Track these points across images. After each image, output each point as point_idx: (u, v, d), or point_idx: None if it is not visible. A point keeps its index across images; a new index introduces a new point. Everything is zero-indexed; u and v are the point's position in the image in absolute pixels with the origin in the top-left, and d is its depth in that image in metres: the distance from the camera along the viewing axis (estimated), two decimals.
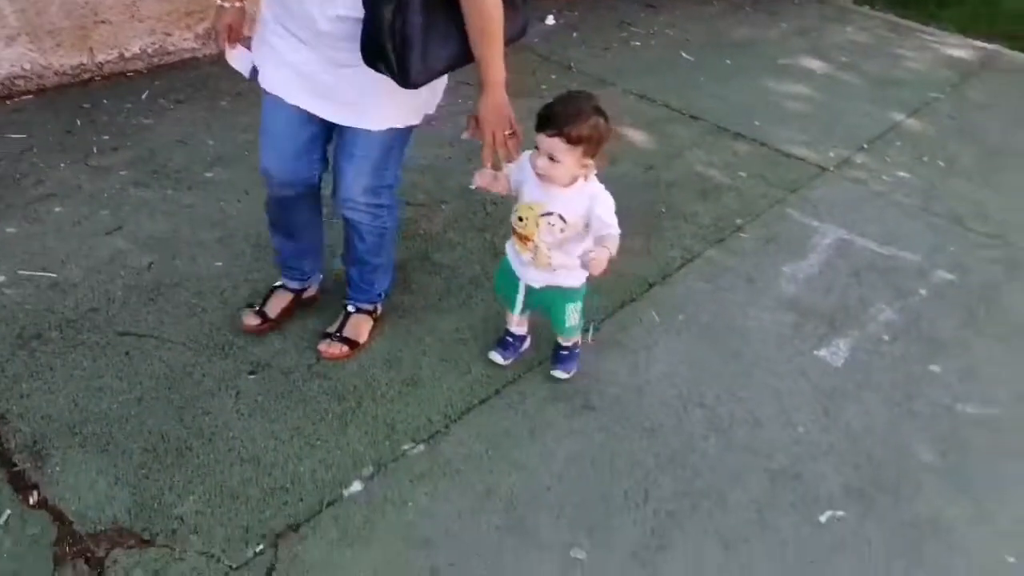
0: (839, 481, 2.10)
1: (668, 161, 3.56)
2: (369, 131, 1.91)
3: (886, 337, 2.65)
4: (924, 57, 5.32)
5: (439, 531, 1.81)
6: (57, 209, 2.69)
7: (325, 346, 2.23)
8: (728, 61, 4.79)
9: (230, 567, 1.68)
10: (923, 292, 2.90)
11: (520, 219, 1.97)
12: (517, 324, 2.28)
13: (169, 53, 3.68)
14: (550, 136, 1.79)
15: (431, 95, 1.96)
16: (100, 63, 3.56)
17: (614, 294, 2.65)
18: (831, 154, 3.82)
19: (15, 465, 1.82)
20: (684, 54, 4.80)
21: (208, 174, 2.99)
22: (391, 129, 1.93)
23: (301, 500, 1.83)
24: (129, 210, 2.73)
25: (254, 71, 1.94)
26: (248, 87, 2.06)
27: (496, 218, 2.90)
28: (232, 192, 2.88)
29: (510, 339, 2.30)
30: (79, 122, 3.21)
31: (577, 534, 1.86)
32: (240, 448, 1.94)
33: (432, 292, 2.54)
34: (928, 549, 1.94)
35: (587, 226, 1.92)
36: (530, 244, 1.98)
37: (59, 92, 3.42)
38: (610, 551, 1.83)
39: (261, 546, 1.72)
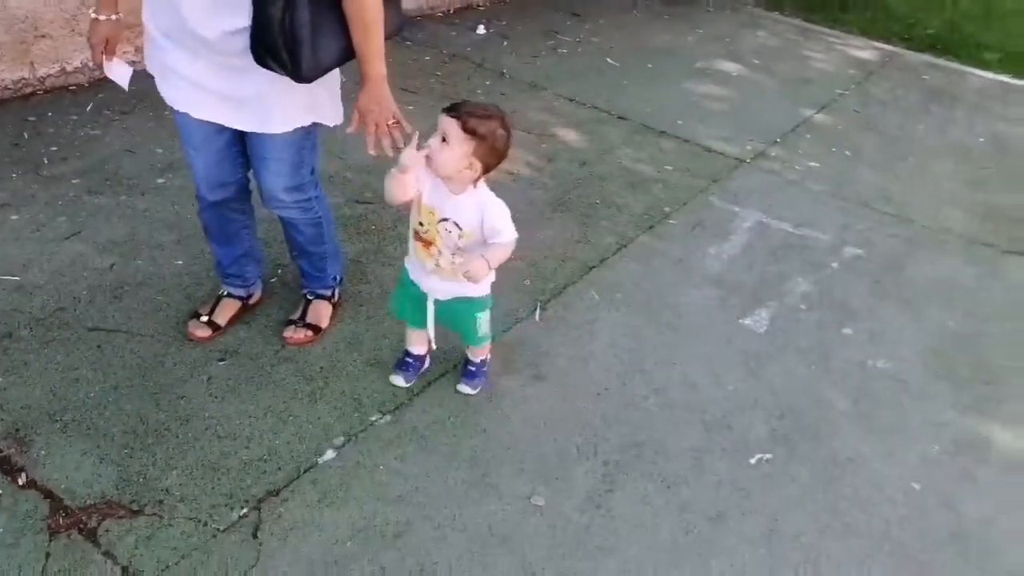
0: (766, 429, 2.34)
1: (600, 157, 3.79)
2: (274, 134, 1.97)
3: (803, 306, 2.92)
4: (830, 58, 5.73)
5: (410, 489, 1.97)
6: (13, 217, 2.75)
7: (290, 332, 2.36)
8: (650, 66, 5.08)
9: (217, 529, 1.80)
10: (834, 266, 3.19)
11: (421, 224, 1.98)
12: (416, 343, 2.27)
13: None
14: (450, 116, 1.82)
15: (327, 95, 2.00)
16: (42, 77, 3.61)
17: (557, 277, 2.86)
18: (748, 147, 4.12)
19: (1, 451, 1.91)
20: (609, 60, 5.07)
21: (160, 180, 3.08)
22: (296, 129, 1.97)
23: (279, 469, 1.97)
24: (86, 216, 2.81)
25: (131, 80, 1.99)
26: None
27: None
28: (185, 196, 2.97)
29: (410, 360, 2.29)
30: (26, 135, 3.26)
31: (536, 484, 2.04)
32: (216, 427, 2.06)
33: (387, 280, 2.69)
34: (847, 481, 2.19)
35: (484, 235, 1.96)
36: (432, 250, 1.99)
37: (1, 106, 3.45)
38: (566, 496, 2.02)
39: (245, 510, 1.85)
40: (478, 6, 5.59)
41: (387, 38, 1.88)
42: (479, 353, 2.27)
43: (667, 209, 3.43)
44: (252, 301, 2.47)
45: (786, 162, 4.04)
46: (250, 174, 2.18)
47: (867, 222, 3.55)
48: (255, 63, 1.79)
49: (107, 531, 1.76)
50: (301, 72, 1.76)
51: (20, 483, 1.84)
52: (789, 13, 6.60)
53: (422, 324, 2.15)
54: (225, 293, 2.40)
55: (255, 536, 1.80)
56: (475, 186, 1.93)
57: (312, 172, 2.15)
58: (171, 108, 2.00)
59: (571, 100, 4.37)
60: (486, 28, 5.21)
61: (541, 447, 2.16)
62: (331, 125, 2.05)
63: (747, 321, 2.80)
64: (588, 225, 3.23)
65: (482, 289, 2.09)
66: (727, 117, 4.47)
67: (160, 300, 2.47)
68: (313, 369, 2.29)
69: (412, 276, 2.11)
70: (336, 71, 1.96)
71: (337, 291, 2.48)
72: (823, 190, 3.79)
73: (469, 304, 2.11)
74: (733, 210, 3.51)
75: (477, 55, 4.77)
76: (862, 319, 2.89)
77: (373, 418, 2.16)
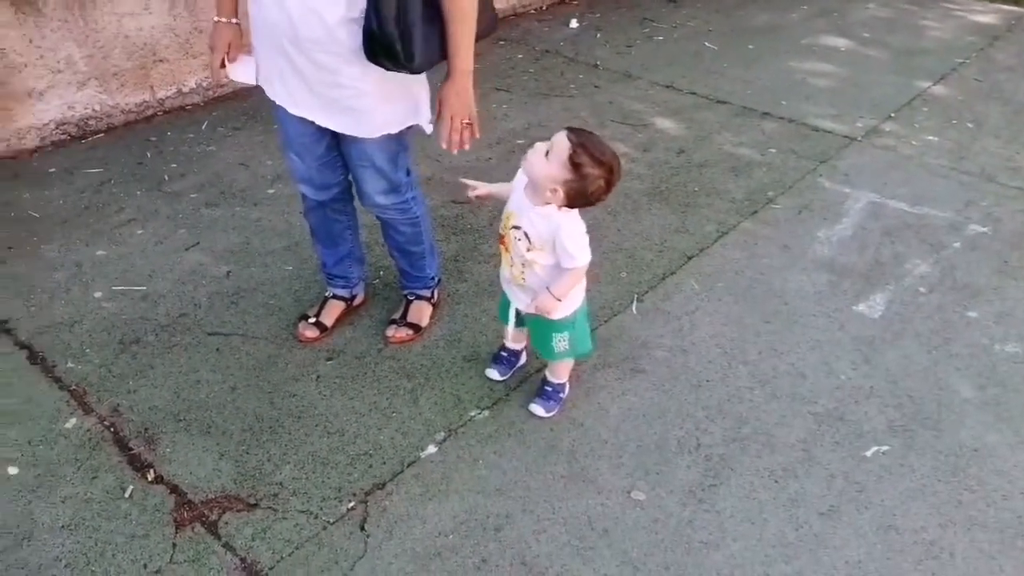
0: (882, 420, 2.22)
1: (698, 144, 3.70)
2: (367, 140, 2.00)
3: (922, 289, 2.75)
4: (948, 26, 5.37)
5: (509, 482, 1.99)
6: (139, 231, 2.95)
7: (392, 331, 2.43)
8: (751, 46, 4.92)
9: (327, 522, 1.87)
10: (956, 245, 2.99)
11: (503, 224, 1.97)
12: (513, 339, 2.26)
13: (222, 86, 3.95)
14: (566, 139, 1.77)
15: (425, 96, 2.02)
16: (161, 99, 3.86)
17: (654, 267, 2.82)
18: (859, 124, 3.92)
19: (131, 449, 2.05)
20: (707, 44, 4.94)
21: (270, 191, 3.23)
22: (388, 136, 2.01)
23: (383, 463, 2.03)
24: (204, 228, 2.99)
25: (242, 95, 2.04)
26: None
27: None
28: (293, 204, 3.11)
29: (504, 354, 2.31)
30: (148, 154, 3.50)
31: (635, 478, 2.02)
32: (326, 423, 2.15)
33: (483, 279, 2.73)
34: (971, 472, 2.05)
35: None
36: (508, 256, 1.97)
37: (127, 128, 3.71)
38: (668, 491, 1.98)
39: (352, 503, 1.92)
40: (571, 1, 5.57)
41: (480, 38, 1.90)
42: (558, 372, 2.20)
43: (771, 193, 3.31)
44: (356, 302, 2.55)
45: (901, 137, 3.82)
46: (346, 174, 2.23)
47: (992, 197, 3.31)
48: (356, 64, 1.82)
49: (227, 524, 1.87)
50: (415, 63, 1.79)
51: (149, 479, 1.97)
52: None
53: (506, 321, 2.15)
54: (331, 295, 2.50)
55: (362, 528, 1.87)
56: (559, 207, 1.85)
57: (408, 173, 2.19)
58: (274, 112, 2.07)
59: (667, 87, 4.29)
60: (579, 22, 5.18)
61: (640, 441, 2.13)
62: (428, 129, 2.07)
63: (860, 307, 2.67)
64: (687, 214, 3.16)
65: (560, 311, 1.99)
66: (835, 94, 4.27)
67: (272, 304, 2.60)
68: (414, 366, 2.35)
69: (501, 277, 2.11)
70: (424, 75, 1.98)
71: (436, 291, 2.54)
72: (943, 165, 3.56)
73: (548, 323, 2.04)
74: (843, 191, 3.35)
75: (570, 49, 4.76)
76: (988, 300, 2.70)
77: (472, 413, 2.19)
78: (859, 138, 3.80)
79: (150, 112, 3.83)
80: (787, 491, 1.99)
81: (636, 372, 2.37)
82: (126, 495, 1.93)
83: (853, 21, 5.41)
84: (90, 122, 3.66)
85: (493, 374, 2.30)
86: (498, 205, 2.02)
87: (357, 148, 2.05)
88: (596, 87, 4.25)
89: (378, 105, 1.94)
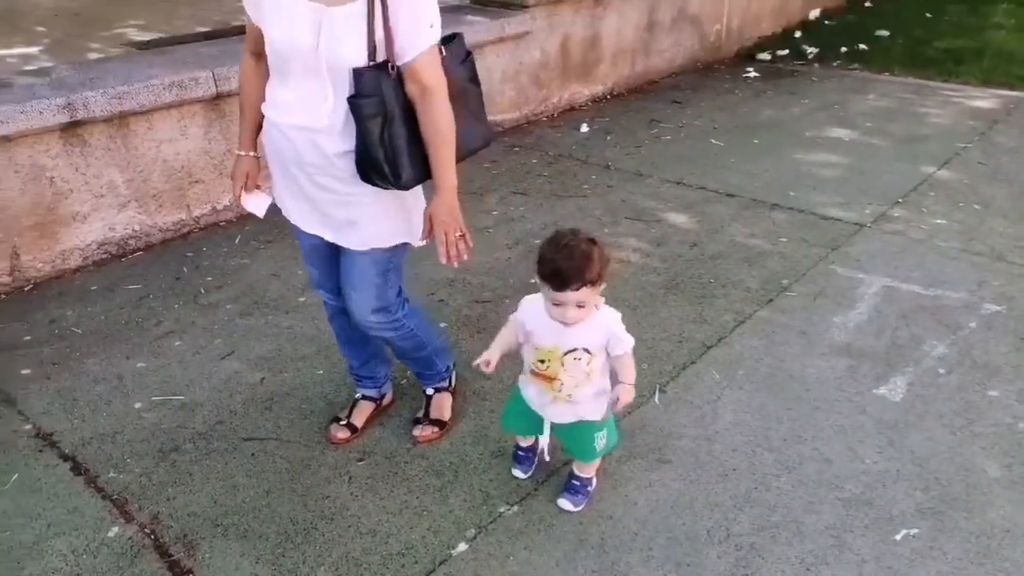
0: (911, 503, 2.22)
1: (710, 236, 3.83)
2: (361, 253, 2.11)
3: (941, 370, 2.79)
4: (948, 112, 5.56)
5: None
6: (177, 343, 3.08)
7: (418, 431, 2.50)
8: (756, 141, 5.11)
9: None
10: (972, 325, 3.04)
11: (542, 361, 1.99)
12: (525, 440, 2.33)
13: None
14: (577, 290, 1.82)
15: (417, 213, 2.11)
16: (197, 217, 4.07)
17: (674, 358, 2.88)
18: (867, 211, 4.04)
19: (171, 555, 2.10)
20: (713, 140, 5.14)
21: (301, 299, 3.37)
22: (380, 250, 2.12)
23: (416, 563, 2.06)
24: (238, 337, 3.11)
25: (268, 210, 2.24)
26: None
27: None
28: (322, 311, 3.21)
29: (522, 452, 2.35)
30: (185, 269, 3.67)
31: (667, 571, 2.03)
32: (358, 523, 2.19)
33: (507, 375, 2.79)
34: (1004, 553, 2.04)
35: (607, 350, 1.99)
36: (556, 383, 2.00)
37: (164, 246, 3.91)
38: None
39: None
40: (581, 107, 5.85)
41: (474, 152, 2.06)
42: (587, 469, 2.24)
43: (785, 281, 3.40)
44: (385, 402, 2.64)
45: (910, 222, 3.92)
46: None
47: (1004, 276, 3.37)
48: (353, 184, 1.98)
49: None
50: (402, 181, 1.95)
51: None
52: (899, 73, 6.50)
53: (536, 434, 2.21)
54: (360, 395, 2.59)
55: None
56: (597, 307, 1.95)
57: (399, 293, 2.27)
58: (291, 228, 2.23)
59: (677, 183, 4.46)
60: (589, 126, 5.43)
61: (670, 532, 2.15)
62: (417, 244, 2.16)
63: (881, 390, 2.70)
64: (703, 304, 3.24)
65: (599, 412, 2.09)
66: (842, 183, 4.41)
67: (305, 408, 2.68)
68: (443, 464, 2.40)
69: (530, 403, 2.13)
70: (419, 189, 2.09)
71: (452, 378, 2.62)
72: (953, 247, 3.64)
73: (590, 426, 2.10)
74: (857, 276, 3.43)
75: (582, 152, 4.97)
76: (1008, 379, 2.72)
77: (501, 509, 2.23)
78: (868, 224, 3.90)
79: (186, 229, 4.04)
80: None
81: (662, 462, 2.40)
82: None
83: (854, 112, 5.62)
84: (130, 241, 3.86)
85: (518, 473, 2.34)
86: (517, 303, 2.10)
87: (349, 259, 2.16)
88: (609, 186, 4.43)
89: (372, 221, 2.07)
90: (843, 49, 7.15)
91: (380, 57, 1.85)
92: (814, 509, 2.21)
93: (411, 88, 1.89)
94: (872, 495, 2.26)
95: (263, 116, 2.09)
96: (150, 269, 3.69)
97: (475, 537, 2.14)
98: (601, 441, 2.14)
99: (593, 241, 1.87)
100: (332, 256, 2.23)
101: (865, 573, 2.00)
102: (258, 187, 2.27)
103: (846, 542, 2.10)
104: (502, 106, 5.31)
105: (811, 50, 7.21)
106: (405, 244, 2.18)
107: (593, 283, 1.84)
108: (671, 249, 3.71)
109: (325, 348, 2.99)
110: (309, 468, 2.40)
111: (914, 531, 2.13)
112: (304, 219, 2.15)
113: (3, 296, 3.46)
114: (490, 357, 2.03)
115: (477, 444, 2.48)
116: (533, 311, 2.00)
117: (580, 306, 1.86)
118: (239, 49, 2.22)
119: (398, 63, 1.87)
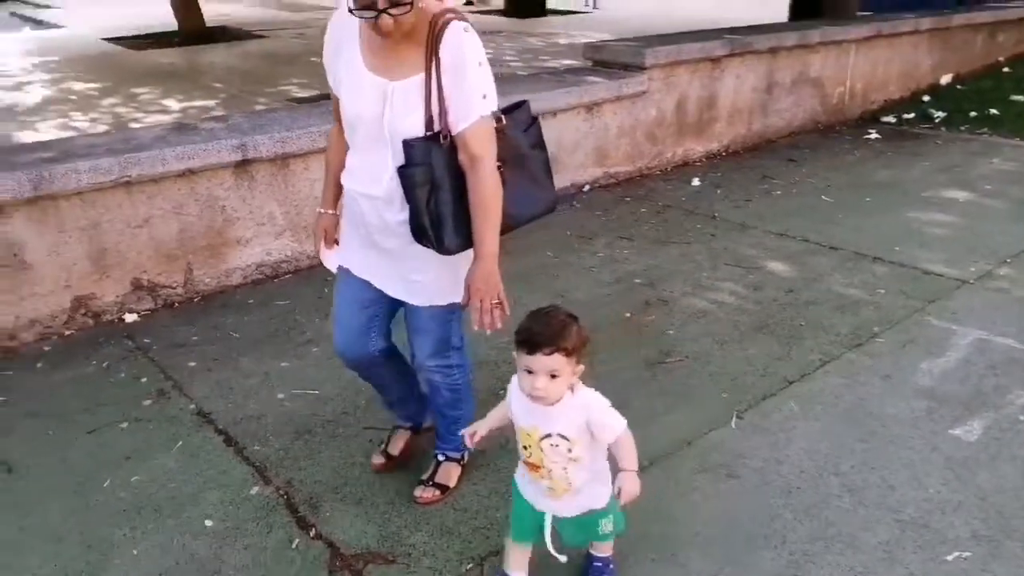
0: (967, 529, 2.33)
1: (807, 284, 3.99)
2: (422, 307, 2.23)
3: (1022, 417, 2.85)
4: None
5: None
6: (315, 349, 3.57)
7: (420, 491, 2.53)
8: (868, 199, 5.20)
9: None
10: None
11: (525, 447, 1.92)
12: (516, 567, 2.11)
13: None
14: (549, 355, 1.75)
15: (460, 280, 2.13)
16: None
17: (755, 389, 3.08)
18: (972, 269, 4.08)
19: (299, 512, 2.52)
20: (824, 197, 5.28)
21: None
22: (439, 307, 2.23)
23: (500, 536, 2.37)
24: None
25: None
26: None
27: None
28: None
29: None
30: (326, 290, 4.18)
31: (722, 566, 2.24)
32: (454, 501, 2.53)
33: None
34: None
35: (592, 435, 1.88)
36: (542, 471, 1.91)
37: (310, 270, 4.47)
38: None
39: (471, 564, 2.27)
40: (695, 163, 6.13)
41: (534, 218, 2.18)
42: (604, 548, 2.16)
43: (876, 329, 3.52)
44: (425, 426, 2.72)
45: (1016, 281, 3.94)
46: (382, 345, 2.41)
47: None
48: (413, 246, 2.10)
49: (369, 573, 2.26)
50: (444, 245, 2.06)
51: (311, 535, 2.42)
52: None
53: (537, 541, 2.04)
54: (397, 425, 2.72)
55: None
56: (573, 391, 1.85)
57: (460, 341, 2.36)
58: (336, 278, 2.36)
59: (781, 235, 4.64)
60: (701, 181, 5.69)
61: (728, 535, 2.35)
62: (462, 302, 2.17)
63: (957, 431, 2.80)
64: (791, 344, 3.42)
65: (604, 499, 1.99)
66: (951, 241, 4.46)
67: None
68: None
69: (526, 495, 2.03)
70: (471, 253, 2.11)
71: (466, 454, 2.62)
72: None
73: (596, 515, 2.01)
74: (951, 328, 3.50)
75: (690, 203, 5.24)
76: None
77: None
78: (971, 281, 3.95)
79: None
80: None
81: (730, 477, 2.61)
82: (293, 546, 2.38)
83: (975, 175, 5.60)
84: (282, 264, 4.46)
85: None
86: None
87: (413, 313, 2.29)
88: (712, 235, 4.67)
89: (430, 280, 2.20)
90: (972, 113, 7.09)
91: (437, 128, 1.97)
92: (870, 527, 2.36)
93: (462, 157, 1.99)
94: (929, 519, 2.38)
95: None
96: (297, 289, 4.25)
97: None
98: (607, 526, 2.05)
99: (573, 317, 1.83)
100: (366, 312, 2.31)
101: None
102: (336, 242, 2.40)
103: (897, 557, 2.24)
104: (617, 159, 5.68)
105: (938, 114, 7.19)
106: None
107: (567, 353, 1.77)
108: (766, 294, 3.90)
109: None
110: (415, 454, 2.77)
111: (967, 554, 2.24)
112: (370, 272, 2.26)
113: (177, 304, 4.10)
114: (476, 428, 2.04)
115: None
116: (516, 391, 1.93)
117: (553, 376, 1.77)
118: None
119: (452, 132, 1.98)
